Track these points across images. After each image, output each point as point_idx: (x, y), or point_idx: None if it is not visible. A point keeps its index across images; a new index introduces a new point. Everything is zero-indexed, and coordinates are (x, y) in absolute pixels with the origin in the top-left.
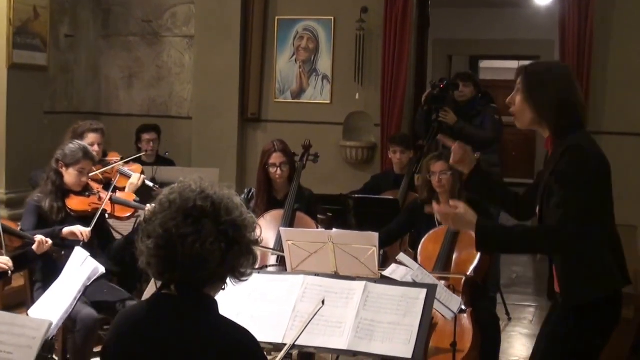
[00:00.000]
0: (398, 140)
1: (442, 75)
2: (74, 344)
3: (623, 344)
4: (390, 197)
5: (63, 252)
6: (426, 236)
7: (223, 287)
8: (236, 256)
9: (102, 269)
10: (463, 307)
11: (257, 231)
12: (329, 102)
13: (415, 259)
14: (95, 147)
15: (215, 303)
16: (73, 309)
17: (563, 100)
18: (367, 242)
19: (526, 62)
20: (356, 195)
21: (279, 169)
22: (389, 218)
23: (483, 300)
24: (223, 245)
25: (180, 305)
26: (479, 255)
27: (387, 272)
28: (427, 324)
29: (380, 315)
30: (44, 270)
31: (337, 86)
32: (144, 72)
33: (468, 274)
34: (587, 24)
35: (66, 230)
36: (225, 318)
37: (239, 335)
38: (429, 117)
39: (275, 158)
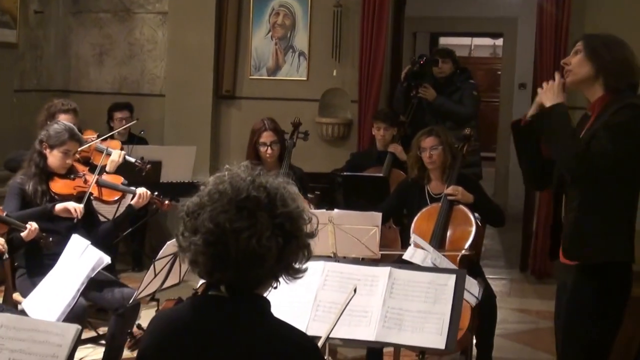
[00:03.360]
0: (382, 116)
1: (407, 53)
2: None
3: (633, 325)
4: (379, 175)
5: (51, 239)
6: (419, 214)
7: (275, 285)
8: (293, 252)
9: (107, 259)
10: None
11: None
12: (305, 79)
13: (406, 237)
14: None
15: (268, 304)
16: (76, 302)
17: (626, 60)
18: (369, 222)
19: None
20: (344, 174)
21: (269, 147)
22: (377, 195)
23: (478, 278)
24: (280, 240)
25: (232, 308)
26: (473, 231)
27: (406, 256)
28: (459, 312)
29: (408, 303)
30: (28, 256)
31: (314, 63)
32: (115, 49)
33: (464, 250)
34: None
35: (59, 206)
36: (281, 320)
37: (299, 339)
38: (408, 93)
39: (266, 137)
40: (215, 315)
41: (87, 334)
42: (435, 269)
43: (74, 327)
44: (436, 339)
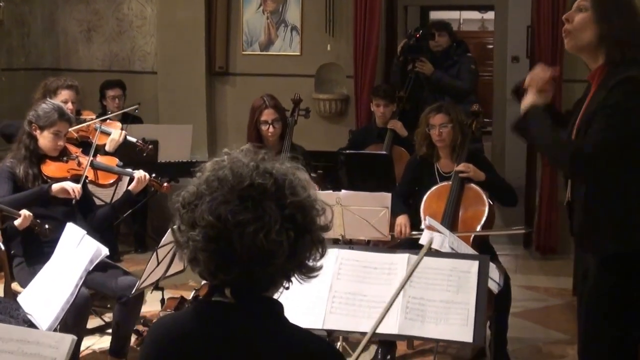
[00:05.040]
0: (382, 93)
1: (400, 27)
2: (64, 324)
3: None
4: (383, 152)
5: (47, 226)
6: (428, 193)
7: (287, 286)
8: (306, 247)
9: (105, 250)
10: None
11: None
12: (298, 54)
13: (418, 218)
14: (69, 105)
15: (281, 308)
16: (75, 297)
17: (637, 30)
18: (378, 203)
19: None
20: (347, 152)
21: (271, 126)
22: (380, 173)
23: (492, 259)
24: (291, 234)
25: (241, 316)
26: (487, 211)
27: (423, 241)
28: (484, 301)
29: (430, 292)
30: (25, 244)
31: (307, 37)
32: (103, 26)
33: (477, 231)
34: None
35: (55, 187)
36: (297, 327)
37: (320, 348)
38: (404, 67)
39: (267, 115)
40: (222, 325)
41: (92, 321)
42: (456, 255)
43: (69, 338)
44: (462, 331)
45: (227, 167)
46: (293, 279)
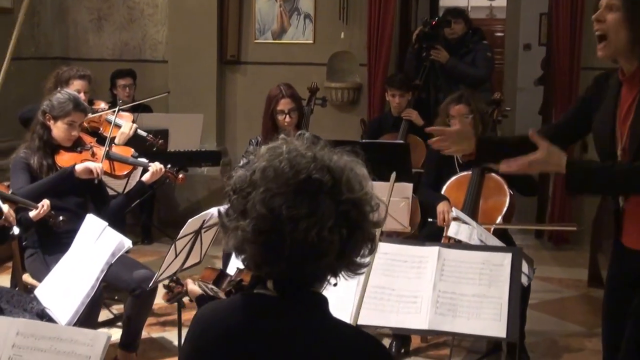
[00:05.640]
0: (397, 83)
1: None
2: None
3: None
4: (401, 142)
5: (61, 218)
6: (448, 183)
7: (334, 282)
8: (357, 245)
9: (128, 243)
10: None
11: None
12: (311, 42)
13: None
14: (82, 96)
15: (326, 303)
16: (96, 290)
17: None
18: (399, 194)
19: None
20: (363, 141)
21: (287, 115)
22: (397, 163)
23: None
24: (344, 231)
25: (286, 310)
26: (507, 201)
27: (451, 232)
28: (518, 295)
29: (462, 286)
30: (41, 235)
31: (320, 25)
32: (113, 14)
33: (497, 222)
34: None
35: (79, 167)
36: (344, 322)
37: (368, 346)
38: (419, 55)
39: (284, 104)
40: (268, 319)
41: (101, 314)
42: (487, 247)
43: (103, 336)
44: (495, 326)
45: (285, 157)
46: (340, 274)
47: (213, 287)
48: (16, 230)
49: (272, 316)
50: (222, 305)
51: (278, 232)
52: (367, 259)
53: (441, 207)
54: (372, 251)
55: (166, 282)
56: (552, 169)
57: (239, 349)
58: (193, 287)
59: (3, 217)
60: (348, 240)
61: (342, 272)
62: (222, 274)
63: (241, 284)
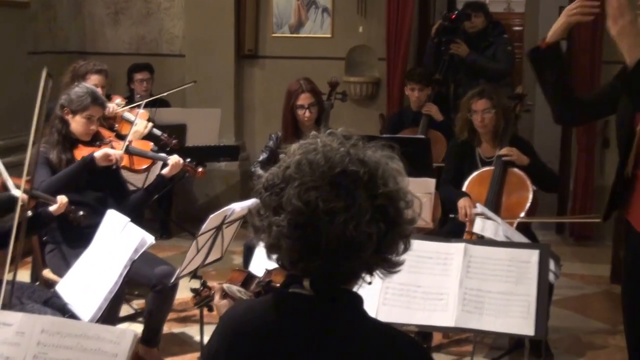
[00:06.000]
0: (417, 77)
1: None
2: None
3: None
4: (422, 137)
5: (81, 213)
6: (470, 178)
7: (369, 281)
8: (393, 241)
9: (150, 239)
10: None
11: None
12: (329, 36)
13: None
14: (99, 90)
15: (361, 301)
16: (119, 287)
17: None
18: (422, 189)
19: None
20: (384, 135)
21: (307, 110)
22: (418, 158)
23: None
24: (382, 226)
25: (321, 309)
26: (530, 196)
27: (476, 228)
28: (546, 293)
29: (488, 283)
30: (63, 230)
31: (338, 19)
32: (130, 8)
33: (520, 217)
34: None
35: (99, 153)
36: (380, 322)
37: (402, 344)
38: (438, 49)
39: (304, 99)
40: (302, 318)
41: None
42: (513, 244)
43: (130, 333)
44: (523, 324)
45: (320, 150)
46: (375, 273)
47: (241, 289)
48: (30, 213)
49: (307, 315)
50: (255, 304)
51: (314, 226)
52: (402, 257)
53: (462, 202)
54: (407, 249)
55: (193, 284)
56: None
57: (273, 349)
58: (221, 301)
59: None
60: (385, 235)
61: (377, 270)
62: (249, 276)
63: (270, 285)
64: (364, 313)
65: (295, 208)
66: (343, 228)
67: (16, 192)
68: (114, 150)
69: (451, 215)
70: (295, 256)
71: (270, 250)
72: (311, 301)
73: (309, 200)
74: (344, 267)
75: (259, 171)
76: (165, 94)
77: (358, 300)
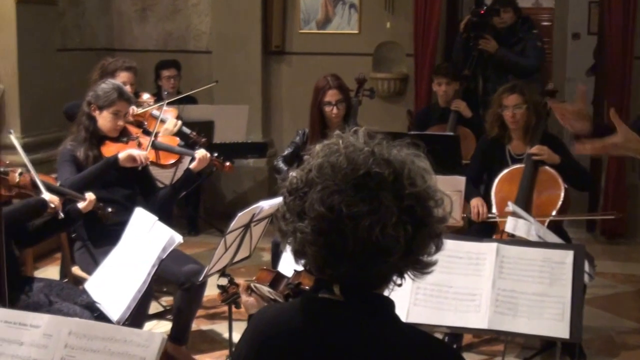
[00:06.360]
0: (443, 71)
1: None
2: None
3: None
4: (451, 133)
5: (110, 210)
6: (500, 176)
7: (400, 283)
8: (423, 242)
9: (179, 238)
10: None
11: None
12: (356, 32)
13: (489, 202)
14: (128, 88)
15: (393, 306)
16: (147, 286)
17: None
18: (451, 187)
19: None
20: (412, 132)
21: (335, 107)
22: (447, 155)
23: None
24: (409, 228)
25: (351, 314)
26: (562, 195)
27: (508, 228)
28: (581, 295)
29: (522, 284)
30: (88, 227)
31: (366, 15)
32: (158, 4)
33: (552, 216)
34: None
35: (122, 155)
36: (413, 327)
37: (437, 351)
38: (467, 45)
39: (331, 95)
40: (332, 323)
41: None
42: (547, 245)
43: (159, 336)
44: (558, 327)
45: (342, 152)
46: (406, 275)
47: (271, 290)
48: (61, 215)
49: (338, 321)
50: (285, 308)
51: (339, 232)
52: (434, 257)
53: (475, 202)
54: (439, 249)
55: (221, 281)
56: (631, 154)
57: (303, 355)
58: (248, 299)
59: (50, 206)
60: (414, 237)
61: (409, 272)
62: (278, 276)
63: (299, 287)
64: (396, 318)
65: (318, 214)
66: (369, 233)
67: (46, 195)
68: (138, 151)
69: (463, 215)
70: (321, 263)
71: (296, 255)
72: (341, 306)
73: (332, 205)
74: (373, 272)
75: (281, 164)
76: (187, 94)
77: (389, 304)
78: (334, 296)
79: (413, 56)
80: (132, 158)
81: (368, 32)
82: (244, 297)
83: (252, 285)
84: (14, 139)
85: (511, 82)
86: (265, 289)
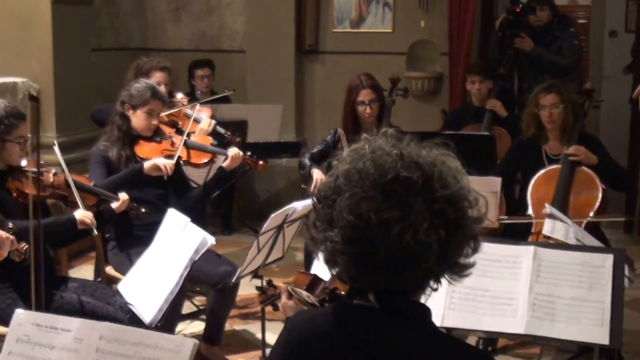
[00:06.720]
0: (476, 69)
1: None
2: None
3: None
4: (486, 133)
5: (143, 210)
6: (536, 176)
7: (435, 287)
8: (458, 245)
9: (211, 240)
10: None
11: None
12: (390, 30)
13: (524, 203)
14: (162, 88)
15: (429, 313)
16: (180, 287)
17: None
18: (487, 188)
19: None
20: (446, 132)
21: (368, 107)
22: (482, 156)
23: None
24: (442, 232)
25: (388, 322)
26: (600, 196)
27: (546, 231)
28: (621, 300)
29: (560, 289)
30: (118, 228)
31: (400, 13)
32: (191, 4)
33: (589, 217)
34: None
35: (148, 164)
36: (448, 334)
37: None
38: (502, 43)
39: (364, 95)
40: (367, 330)
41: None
42: (585, 248)
43: (190, 342)
44: (597, 333)
45: (369, 157)
46: (442, 279)
47: (309, 294)
48: (95, 232)
49: (373, 328)
50: (319, 313)
51: (369, 240)
52: (472, 259)
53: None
54: (476, 250)
55: (254, 282)
56: None
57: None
58: (287, 302)
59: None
60: (448, 241)
61: (446, 276)
62: (315, 279)
63: (335, 292)
64: (433, 326)
65: (347, 222)
66: (399, 239)
67: (78, 213)
68: (164, 161)
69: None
70: (353, 272)
71: (328, 264)
72: (375, 313)
73: (360, 212)
74: (407, 278)
75: (306, 160)
76: (207, 99)
77: (425, 312)
78: (369, 303)
79: (447, 55)
80: (157, 167)
81: (402, 31)
82: (283, 300)
83: (290, 288)
84: (57, 151)
85: (548, 82)
86: (305, 294)
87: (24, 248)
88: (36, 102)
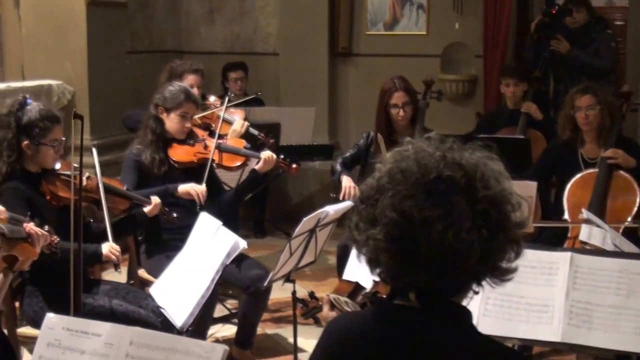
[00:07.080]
0: (510, 71)
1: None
2: None
3: None
4: (521, 137)
5: (175, 215)
6: (573, 181)
7: (477, 290)
8: (500, 248)
9: (243, 244)
10: None
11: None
12: (424, 33)
13: (561, 207)
14: (195, 90)
15: (470, 316)
16: (211, 291)
17: None
18: (522, 192)
19: None
20: (481, 135)
21: (401, 109)
22: (517, 159)
23: None
24: (484, 232)
25: (427, 324)
26: (638, 200)
27: (582, 236)
28: None
29: (597, 296)
30: (149, 232)
31: (434, 16)
32: (225, 7)
33: (627, 222)
34: None
35: (182, 189)
36: (489, 338)
37: None
38: (538, 46)
39: (397, 98)
40: (407, 331)
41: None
42: (624, 254)
43: (220, 348)
44: (636, 341)
45: (412, 157)
46: (484, 282)
47: (348, 300)
48: (119, 269)
49: (412, 328)
50: (359, 315)
51: (411, 238)
52: (514, 264)
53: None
54: (519, 255)
55: (291, 287)
56: None
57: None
58: (329, 313)
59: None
60: (490, 242)
61: (487, 279)
62: (357, 287)
63: (376, 296)
64: (472, 327)
65: (390, 220)
66: (442, 237)
67: (104, 247)
68: (198, 188)
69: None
70: (395, 270)
71: (370, 264)
72: (417, 313)
73: (403, 210)
74: (449, 278)
75: (337, 166)
76: (237, 102)
77: (466, 313)
78: (409, 303)
79: (482, 57)
80: (189, 194)
81: (436, 33)
82: (325, 311)
83: (332, 298)
84: (95, 155)
85: (584, 83)
86: (343, 300)
87: (55, 241)
88: (80, 120)
